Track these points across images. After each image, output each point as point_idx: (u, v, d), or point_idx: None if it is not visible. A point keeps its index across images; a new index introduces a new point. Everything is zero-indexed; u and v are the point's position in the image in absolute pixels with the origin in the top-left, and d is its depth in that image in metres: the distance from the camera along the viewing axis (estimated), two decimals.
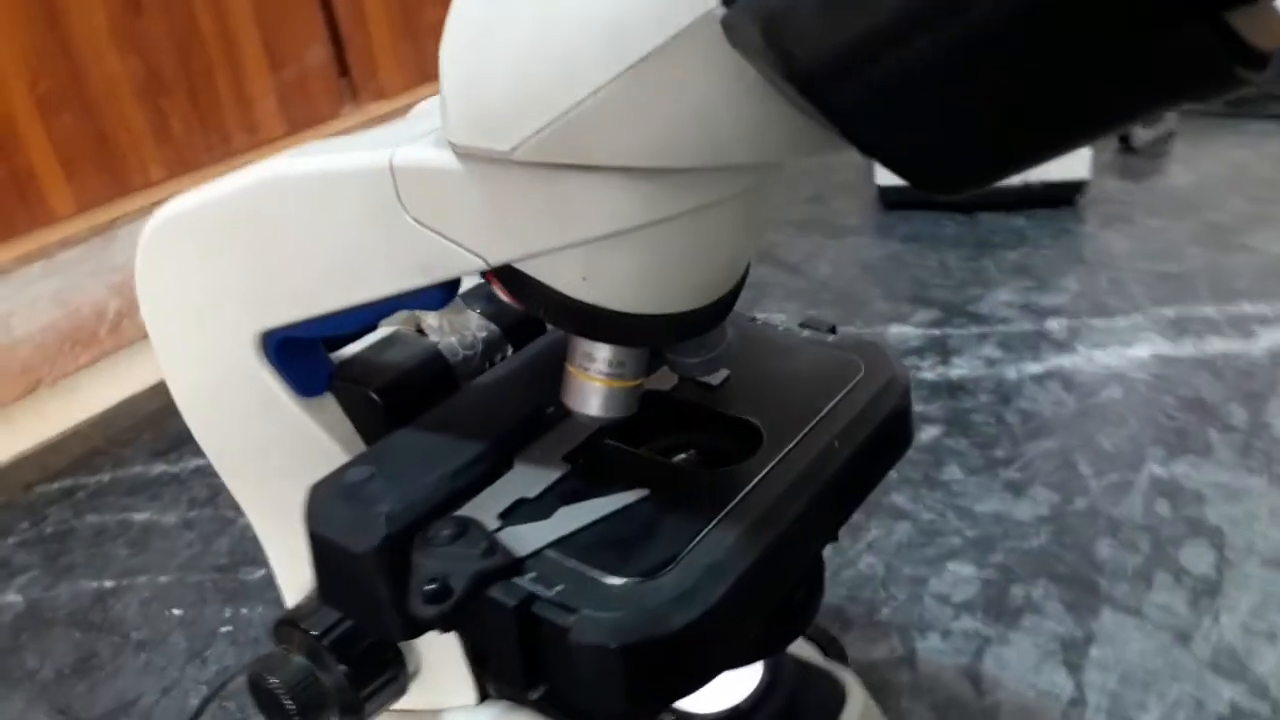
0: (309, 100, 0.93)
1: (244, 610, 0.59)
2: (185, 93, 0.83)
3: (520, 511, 0.31)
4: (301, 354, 0.37)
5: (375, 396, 0.37)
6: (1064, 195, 0.93)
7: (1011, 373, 0.72)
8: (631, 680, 0.27)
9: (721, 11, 0.21)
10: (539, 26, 0.24)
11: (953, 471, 0.62)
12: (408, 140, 0.29)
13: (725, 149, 0.24)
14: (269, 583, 0.61)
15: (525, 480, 0.33)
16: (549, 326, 0.42)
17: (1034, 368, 0.72)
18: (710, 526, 0.30)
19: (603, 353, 0.31)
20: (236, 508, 0.67)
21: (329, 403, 0.38)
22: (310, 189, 0.31)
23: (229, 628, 0.58)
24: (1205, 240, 0.86)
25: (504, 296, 0.31)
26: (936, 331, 0.78)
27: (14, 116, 0.74)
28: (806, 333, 0.40)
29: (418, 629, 0.31)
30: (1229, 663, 0.48)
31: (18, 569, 0.64)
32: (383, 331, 0.40)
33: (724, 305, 0.30)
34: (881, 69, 0.17)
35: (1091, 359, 0.72)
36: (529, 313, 0.30)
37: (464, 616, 0.28)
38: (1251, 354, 0.70)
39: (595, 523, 0.30)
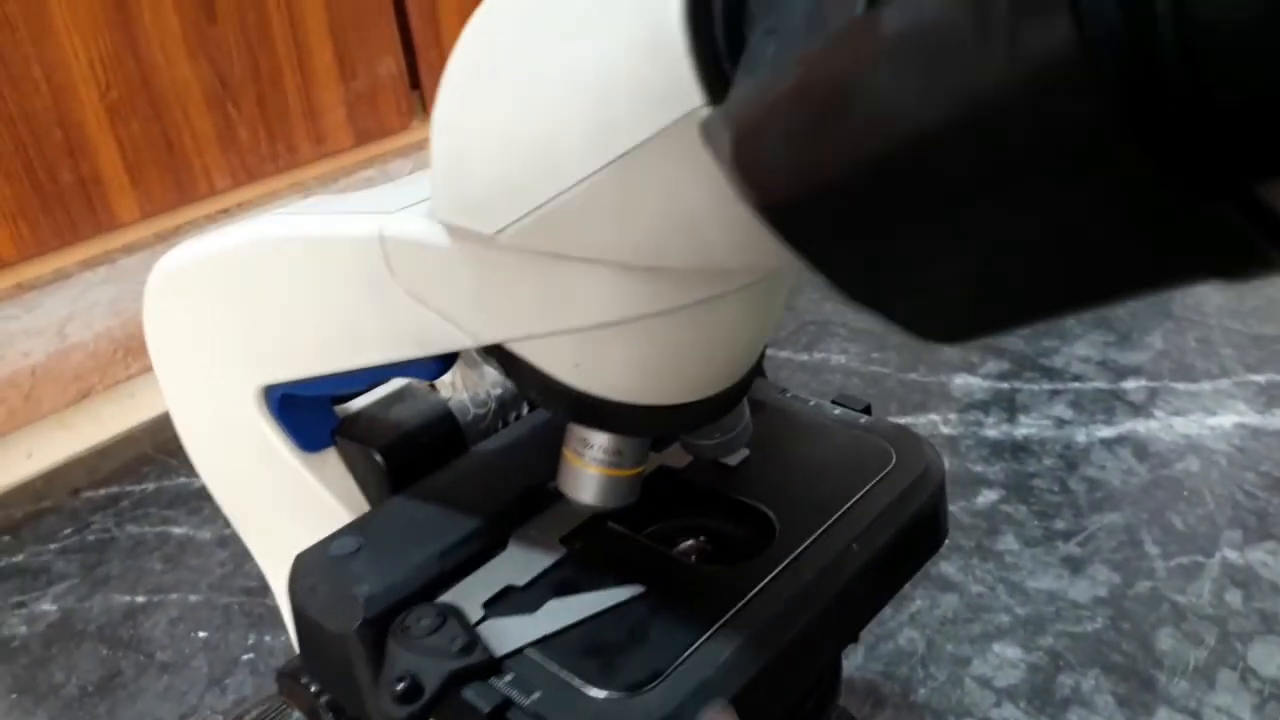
0: (378, 113, 0.93)
1: (267, 638, 0.59)
2: (254, 101, 0.84)
3: (507, 601, 0.29)
4: (305, 408, 0.36)
5: (378, 456, 0.36)
6: None
7: (1081, 436, 0.68)
8: None
9: (706, 111, 0.19)
10: (524, 110, 0.22)
11: (1008, 542, 0.59)
12: (400, 207, 0.28)
13: (715, 253, 0.22)
14: None
15: (517, 564, 0.31)
16: None
17: (1106, 432, 0.68)
18: (707, 635, 0.27)
19: (599, 440, 0.29)
20: None
21: (331, 458, 0.36)
22: (302, 252, 0.30)
23: (251, 655, 0.57)
24: None
25: (500, 372, 0.29)
26: (1004, 385, 0.74)
27: (84, 122, 0.75)
28: (838, 411, 0.37)
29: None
30: None
31: (56, 577, 0.65)
32: (393, 385, 0.39)
33: (730, 397, 0.28)
34: (836, 208, 0.15)
35: (1170, 426, 0.67)
36: (521, 394, 0.28)
37: (436, 715, 0.27)
38: None
39: (583, 621, 0.28)
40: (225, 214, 0.86)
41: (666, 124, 0.20)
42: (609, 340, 0.25)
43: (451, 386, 0.38)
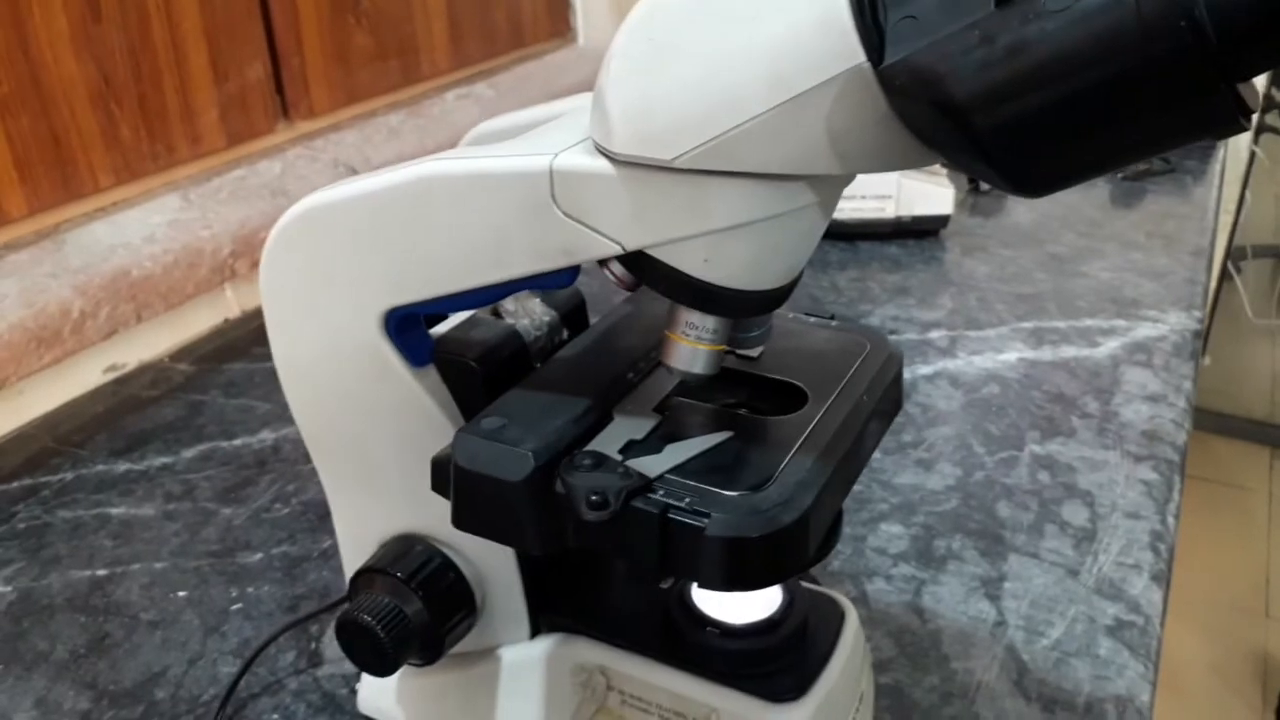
0: (247, 114, 0.97)
1: (250, 589, 0.63)
2: (135, 101, 0.86)
3: (635, 449, 0.39)
4: (413, 331, 0.43)
5: (475, 365, 0.44)
6: (930, 228, 1.08)
7: (907, 374, 0.84)
8: (752, 564, 0.36)
9: (867, 66, 0.30)
10: (708, 64, 0.32)
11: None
12: (563, 148, 0.37)
13: (848, 162, 0.33)
14: (269, 565, 0.65)
15: (629, 426, 0.40)
16: (591, 319, 0.50)
17: (925, 370, 0.85)
18: (790, 455, 0.38)
19: (705, 322, 0.39)
20: (216, 500, 0.71)
21: (432, 372, 0.44)
22: (469, 185, 0.38)
23: (239, 605, 0.62)
24: (1049, 267, 1.02)
25: (612, 276, 0.39)
26: None
27: None
28: (813, 319, 0.49)
29: (555, 543, 0.38)
30: (1109, 589, 0.60)
31: None
32: (464, 314, 0.47)
33: (795, 283, 0.39)
34: (1012, 111, 0.27)
35: (971, 363, 0.85)
36: (649, 287, 0.38)
37: (616, 523, 0.36)
38: (1096, 357, 0.85)
39: (698, 455, 0.39)
40: (104, 211, 0.87)
41: (836, 73, 0.31)
42: (735, 239, 0.36)
43: (514, 314, 0.47)
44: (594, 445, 0.39)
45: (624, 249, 0.37)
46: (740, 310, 0.39)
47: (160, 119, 0.88)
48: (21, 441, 0.79)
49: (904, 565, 0.63)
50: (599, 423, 0.41)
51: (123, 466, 0.75)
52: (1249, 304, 2.39)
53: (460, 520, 0.40)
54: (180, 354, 0.91)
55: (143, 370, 0.89)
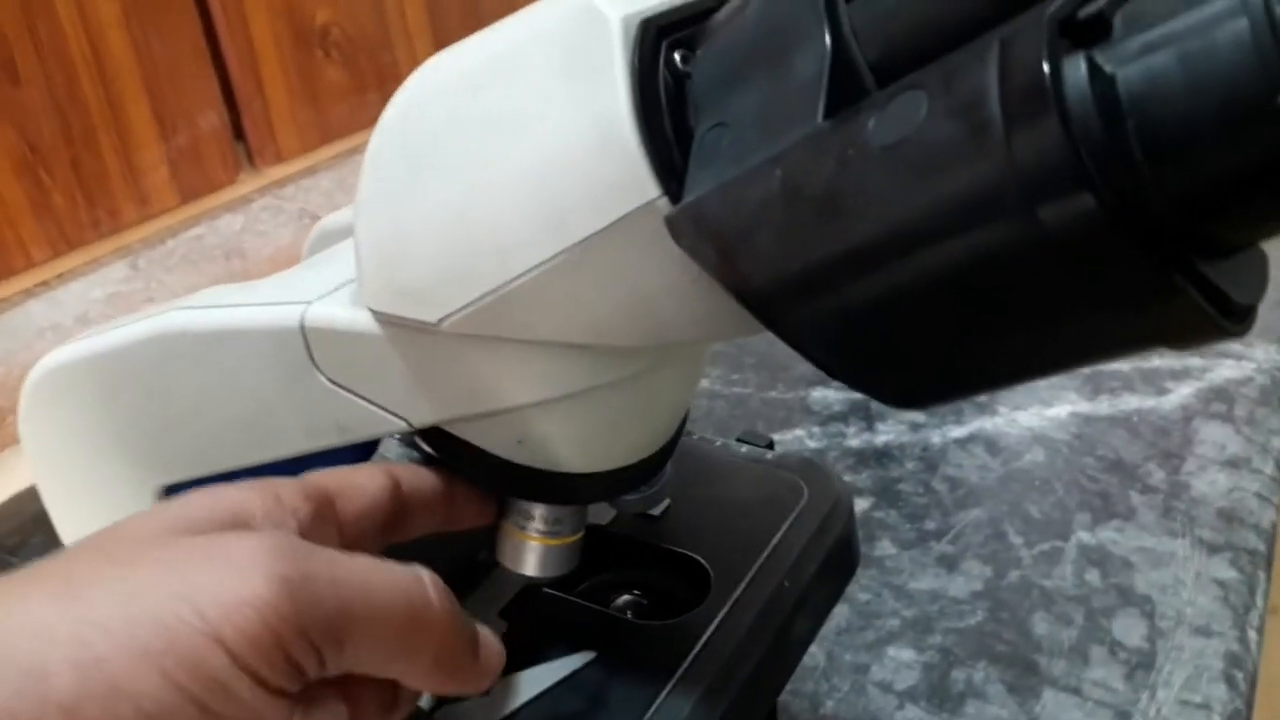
0: (203, 168, 0.89)
1: None
2: (67, 165, 0.79)
3: None
4: None
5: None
6: None
7: (936, 437, 0.72)
8: None
9: (664, 203, 0.20)
10: (469, 199, 0.22)
11: (885, 547, 0.62)
12: (319, 295, 0.27)
13: (667, 330, 0.22)
14: None
15: None
16: None
17: (957, 431, 0.72)
18: (665, 693, 0.28)
19: (540, 511, 0.29)
20: None
21: None
22: (211, 346, 0.28)
23: None
24: None
25: (423, 453, 0.29)
26: (859, 395, 0.78)
27: None
28: (744, 448, 0.38)
29: None
30: None
31: None
32: None
33: (666, 453, 0.29)
34: (833, 300, 0.16)
35: (1013, 421, 0.72)
36: (459, 474, 0.28)
37: None
38: (1164, 409, 0.72)
39: (540, 695, 0.28)
40: (45, 286, 0.80)
41: (622, 214, 0.20)
42: (554, 415, 0.25)
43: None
44: None
45: (410, 426, 0.27)
46: (581, 497, 0.28)
47: (99, 182, 0.81)
48: None
49: (913, 707, 0.51)
50: None
51: None
52: None
53: None
54: None
55: None
